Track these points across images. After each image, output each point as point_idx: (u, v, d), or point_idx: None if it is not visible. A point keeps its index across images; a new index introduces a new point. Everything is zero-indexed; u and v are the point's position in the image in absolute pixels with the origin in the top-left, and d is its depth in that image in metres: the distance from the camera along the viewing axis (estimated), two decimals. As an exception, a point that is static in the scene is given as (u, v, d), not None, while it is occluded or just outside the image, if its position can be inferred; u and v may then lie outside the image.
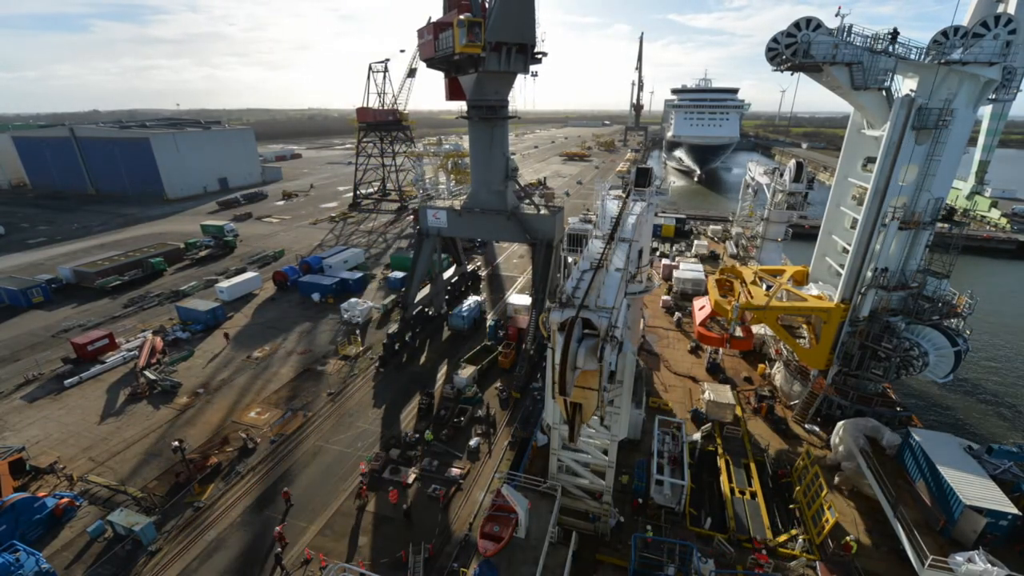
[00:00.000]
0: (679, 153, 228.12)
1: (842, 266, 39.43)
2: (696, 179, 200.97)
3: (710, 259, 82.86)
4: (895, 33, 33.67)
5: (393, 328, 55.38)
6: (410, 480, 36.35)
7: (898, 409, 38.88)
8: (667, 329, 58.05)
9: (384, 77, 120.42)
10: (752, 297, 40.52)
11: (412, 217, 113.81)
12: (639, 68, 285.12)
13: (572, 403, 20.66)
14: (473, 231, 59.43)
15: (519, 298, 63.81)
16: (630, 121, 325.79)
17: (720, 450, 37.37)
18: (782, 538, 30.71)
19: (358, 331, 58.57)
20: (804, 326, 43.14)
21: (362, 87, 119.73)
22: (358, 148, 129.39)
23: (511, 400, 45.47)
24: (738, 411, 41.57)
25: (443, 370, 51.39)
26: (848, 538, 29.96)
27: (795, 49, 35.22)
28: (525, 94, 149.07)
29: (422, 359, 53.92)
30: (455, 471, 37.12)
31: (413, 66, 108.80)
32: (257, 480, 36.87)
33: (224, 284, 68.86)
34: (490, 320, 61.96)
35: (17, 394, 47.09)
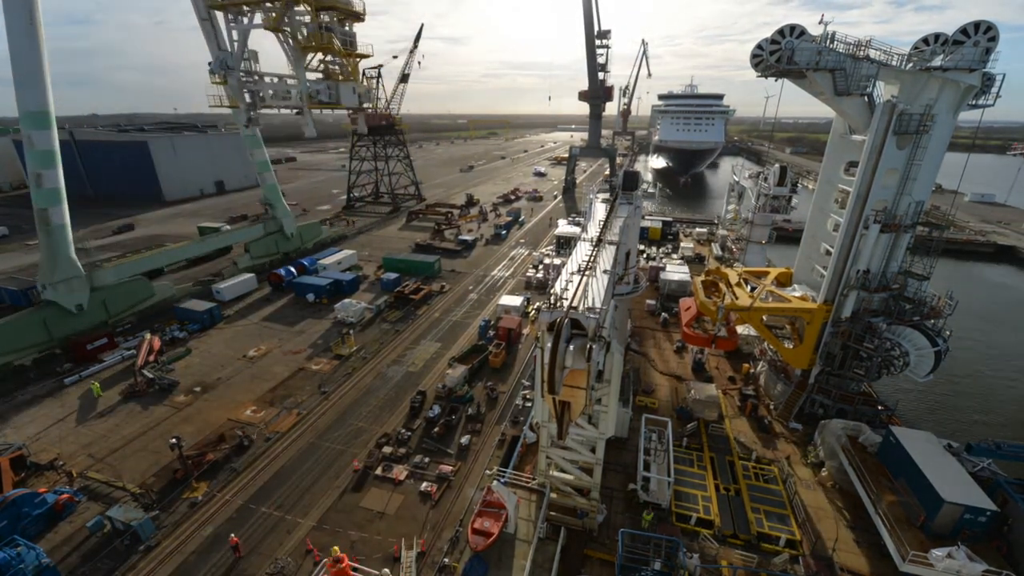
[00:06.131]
0: (662, 158, 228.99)
1: (825, 268, 39.99)
2: (682, 183, 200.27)
3: (696, 261, 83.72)
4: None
5: None
6: (402, 477, 37.05)
7: (879, 408, 39.52)
8: (652, 329, 58.84)
9: (377, 83, 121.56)
10: (737, 298, 41.23)
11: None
12: (637, 75, 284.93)
13: (561, 401, 20.97)
14: None
15: (509, 299, 64.53)
16: (617, 126, 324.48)
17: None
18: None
19: (351, 331, 59.28)
20: (788, 326, 43.80)
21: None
22: (352, 152, 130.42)
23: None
24: (724, 409, 42.27)
25: (435, 368, 52.10)
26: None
27: (779, 56, 35.99)
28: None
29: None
30: (446, 468, 37.85)
31: (406, 71, 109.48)
32: (253, 476, 37.55)
33: (222, 285, 69.58)
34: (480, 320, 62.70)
35: (18, 392, 47.61)
